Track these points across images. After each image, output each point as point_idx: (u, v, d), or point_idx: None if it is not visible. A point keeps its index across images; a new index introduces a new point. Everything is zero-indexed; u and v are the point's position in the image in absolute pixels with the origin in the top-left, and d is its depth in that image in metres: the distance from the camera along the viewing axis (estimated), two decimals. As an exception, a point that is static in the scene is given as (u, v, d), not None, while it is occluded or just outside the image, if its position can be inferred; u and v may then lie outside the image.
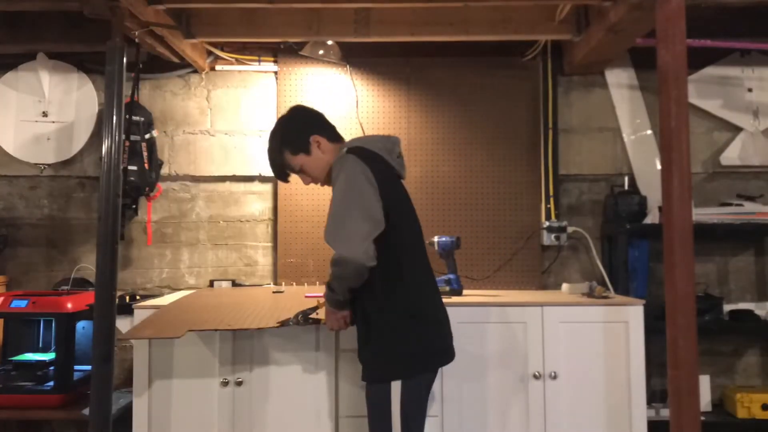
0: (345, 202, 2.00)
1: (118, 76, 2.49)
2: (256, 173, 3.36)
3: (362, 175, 2.00)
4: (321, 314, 2.35)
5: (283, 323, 2.34)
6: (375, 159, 2.08)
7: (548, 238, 3.24)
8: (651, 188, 3.21)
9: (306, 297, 2.75)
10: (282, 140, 2.21)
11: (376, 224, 1.97)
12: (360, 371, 2.11)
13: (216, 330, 2.44)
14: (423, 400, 2.09)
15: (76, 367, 2.88)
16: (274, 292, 2.97)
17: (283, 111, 3.29)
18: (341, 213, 1.99)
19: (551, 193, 3.30)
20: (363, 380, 2.10)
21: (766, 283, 3.33)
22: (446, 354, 2.14)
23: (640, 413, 2.61)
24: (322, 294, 2.51)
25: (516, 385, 2.63)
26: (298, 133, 2.20)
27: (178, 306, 2.66)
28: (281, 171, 2.26)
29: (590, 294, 2.85)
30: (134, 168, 3.09)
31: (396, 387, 1.99)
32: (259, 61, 3.39)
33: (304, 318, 2.36)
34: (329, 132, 2.23)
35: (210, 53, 3.36)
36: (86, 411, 2.51)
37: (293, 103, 3.29)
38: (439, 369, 2.19)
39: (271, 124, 3.29)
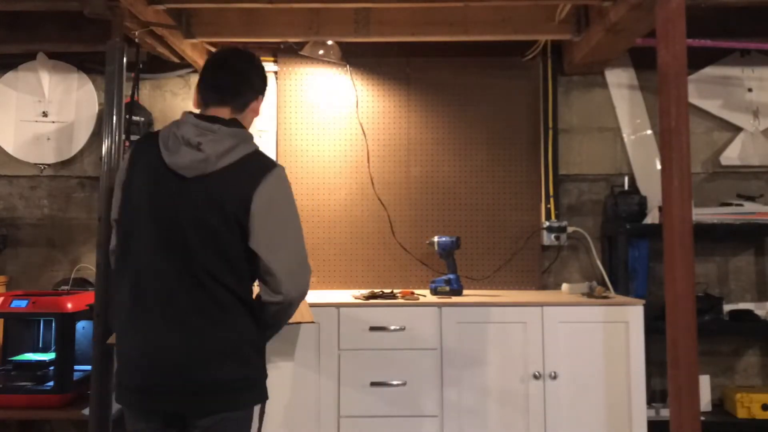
0: (296, 224, 1.86)
1: (118, 76, 2.50)
2: (256, 173, 3.35)
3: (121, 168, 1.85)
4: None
5: None
6: (145, 146, 1.80)
7: (548, 238, 3.24)
8: (651, 188, 3.21)
9: None
10: (260, 75, 1.92)
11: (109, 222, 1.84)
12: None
13: None
14: None
15: (76, 367, 2.87)
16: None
17: (284, 111, 3.34)
18: (298, 237, 1.87)
19: (551, 193, 3.30)
20: None
21: (766, 283, 3.33)
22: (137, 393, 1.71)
23: (640, 413, 2.61)
24: None
25: (516, 385, 2.63)
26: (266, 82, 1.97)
27: None
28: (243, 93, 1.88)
29: (590, 294, 2.85)
30: (134, 168, 3.09)
31: None
32: (259, 61, 3.38)
33: None
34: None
35: (210, 53, 3.35)
36: (86, 411, 2.51)
37: (293, 103, 3.34)
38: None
39: (272, 124, 3.35)
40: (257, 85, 1.91)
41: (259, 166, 1.76)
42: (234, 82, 1.85)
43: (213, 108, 1.83)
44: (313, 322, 2.46)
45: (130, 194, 1.77)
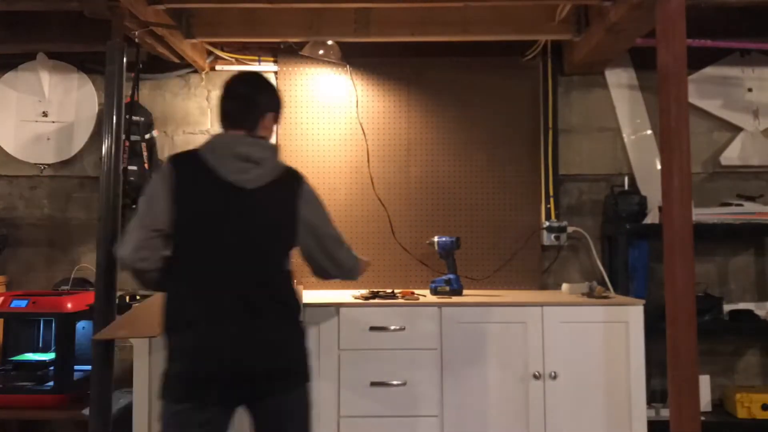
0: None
1: (118, 76, 2.50)
2: (256, 173, 3.35)
3: (159, 181, 1.89)
4: None
5: None
6: (190, 162, 1.90)
7: (548, 238, 3.24)
8: (651, 188, 3.20)
9: None
10: (278, 98, 2.07)
11: (145, 229, 1.85)
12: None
13: None
14: None
15: (76, 367, 2.88)
16: None
17: (283, 111, 3.33)
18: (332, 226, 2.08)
19: (551, 193, 3.30)
20: None
21: (766, 283, 3.33)
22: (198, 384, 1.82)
23: (640, 413, 2.61)
24: None
25: (516, 385, 2.63)
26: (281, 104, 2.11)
27: (155, 304, 2.65)
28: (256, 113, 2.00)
29: (590, 294, 2.85)
30: (134, 168, 3.10)
31: None
32: (259, 61, 3.39)
33: None
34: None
35: (210, 53, 3.36)
36: (86, 411, 2.51)
37: (293, 103, 3.34)
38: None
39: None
40: (263, 104, 2.00)
41: (294, 173, 2.04)
42: (239, 108, 1.97)
43: (231, 131, 1.96)
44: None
45: (188, 204, 1.87)
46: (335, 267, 2.04)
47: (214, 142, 1.93)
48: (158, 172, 1.95)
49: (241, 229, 1.86)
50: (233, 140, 1.91)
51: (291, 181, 1.99)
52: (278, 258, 1.94)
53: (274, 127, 2.09)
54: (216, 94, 3.38)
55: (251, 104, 1.98)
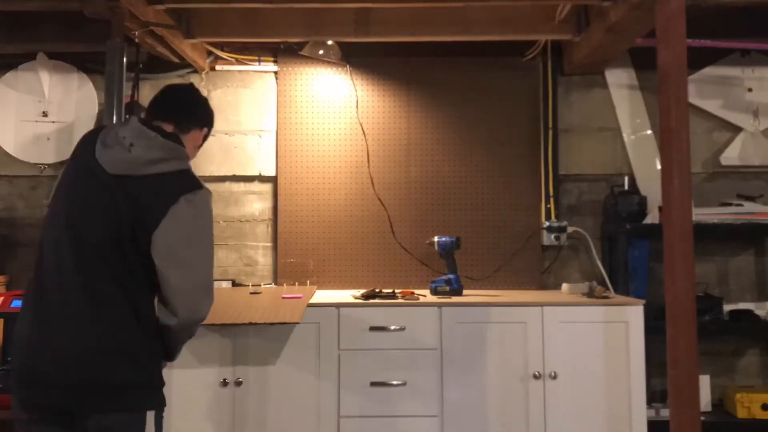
0: (209, 247, 1.84)
1: (118, 76, 2.50)
2: (256, 173, 3.36)
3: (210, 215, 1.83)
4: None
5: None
6: (83, 143, 1.81)
7: (548, 238, 3.24)
8: (651, 188, 3.20)
9: (283, 298, 2.76)
10: (204, 107, 2.00)
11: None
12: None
13: None
14: None
15: (76, 367, 2.87)
16: (251, 293, 2.96)
17: (284, 111, 3.34)
18: (208, 259, 1.84)
19: (551, 193, 3.30)
20: None
21: (766, 283, 3.33)
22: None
23: (640, 413, 2.61)
24: (300, 295, 2.49)
25: (516, 385, 2.63)
26: (212, 116, 2.05)
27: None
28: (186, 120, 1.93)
29: (590, 294, 2.85)
30: (134, 168, 3.09)
31: None
32: (259, 61, 3.39)
33: None
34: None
35: (210, 53, 3.36)
36: (86, 411, 2.51)
37: (293, 103, 3.34)
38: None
39: (272, 124, 3.36)
40: (200, 116, 1.96)
41: (185, 183, 1.75)
42: (180, 103, 1.93)
43: (158, 121, 1.84)
44: (298, 323, 2.47)
45: (61, 180, 1.80)
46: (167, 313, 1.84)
47: (121, 123, 1.86)
48: (208, 208, 1.79)
49: (77, 215, 1.75)
50: (132, 127, 1.82)
51: (174, 187, 1.81)
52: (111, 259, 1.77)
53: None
54: (217, 94, 3.39)
55: (190, 106, 1.97)
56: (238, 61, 3.38)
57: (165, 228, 1.67)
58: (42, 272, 1.72)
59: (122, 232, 1.68)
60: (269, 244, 3.36)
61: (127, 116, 1.87)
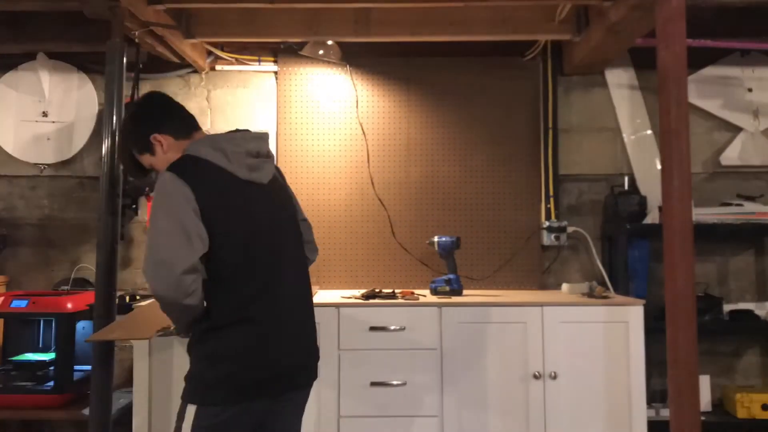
0: (153, 229, 1.74)
1: (118, 76, 2.50)
2: (256, 173, 3.35)
3: (175, 196, 1.72)
4: None
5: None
6: (200, 168, 1.77)
7: (548, 238, 3.24)
8: (651, 188, 3.21)
9: None
10: (125, 139, 1.96)
11: (189, 259, 1.68)
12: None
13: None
14: None
15: (76, 367, 2.88)
16: None
17: (284, 111, 3.34)
18: (149, 241, 1.73)
19: (551, 193, 3.30)
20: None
21: (766, 283, 3.33)
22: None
23: (640, 413, 2.61)
24: None
25: (516, 385, 2.63)
26: (138, 132, 1.91)
27: (151, 307, 2.64)
28: (134, 169, 1.96)
29: (590, 294, 2.85)
30: (134, 168, 3.09)
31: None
32: (259, 61, 3.39)
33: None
34: (175, 127, 1.91)
35: (210, 53, 3.36)
36: (86, 411, 2.51)
37: (293, 103, 3.34)
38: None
39: (272, 124, 3.36)
40: (131, 153, 1.95)
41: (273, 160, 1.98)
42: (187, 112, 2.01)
43: (196, 133, 1.93)
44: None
45: (223, 213, 1.75)
46: (312, 251, 2.06)
47: (219, 142, 1.81)
48: (172, 194, 1.72)
49: (276, 226, 1.87)
50: (242, 138, 1.84)
51: (278, 170, 2.01)
52: (302, 249, 1.99)
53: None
54: (216, 94, 3.39)
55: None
56: (238, 61, 3.38)
57: (295, 202, 2.03)
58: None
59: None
60: (269, 244, 3.35)
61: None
